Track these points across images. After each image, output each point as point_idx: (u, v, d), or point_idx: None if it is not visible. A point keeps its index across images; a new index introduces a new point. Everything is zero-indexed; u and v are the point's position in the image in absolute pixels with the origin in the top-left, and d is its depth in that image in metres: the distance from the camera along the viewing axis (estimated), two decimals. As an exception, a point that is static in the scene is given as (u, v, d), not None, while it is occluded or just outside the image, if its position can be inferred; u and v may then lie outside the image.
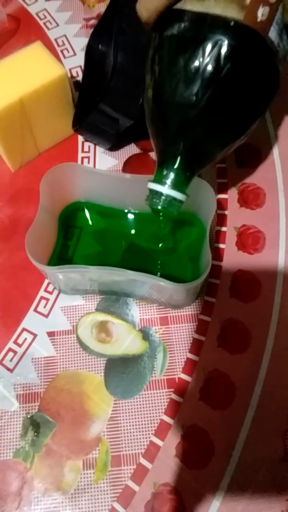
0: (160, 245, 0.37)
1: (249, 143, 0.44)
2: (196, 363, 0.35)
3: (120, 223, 0.38)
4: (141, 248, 0.37)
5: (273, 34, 0.26)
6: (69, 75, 0.41)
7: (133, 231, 0.38)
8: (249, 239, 0.39)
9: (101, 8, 0.52)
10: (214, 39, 0.25)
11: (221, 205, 0.41)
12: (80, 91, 0.44)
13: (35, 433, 0.33)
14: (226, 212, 0.40)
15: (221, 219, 0.40)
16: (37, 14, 0.52)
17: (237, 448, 0.32)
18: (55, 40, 0.50)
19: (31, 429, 0.33)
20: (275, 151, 0.43)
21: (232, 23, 0.25)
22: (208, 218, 0.33)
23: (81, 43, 0.49)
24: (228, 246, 0.39)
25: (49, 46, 0.48)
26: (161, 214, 0.31)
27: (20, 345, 0.36)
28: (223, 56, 0.25)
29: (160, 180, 0.29)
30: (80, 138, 0.44)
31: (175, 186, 0.29)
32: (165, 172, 0.29)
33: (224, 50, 0.25)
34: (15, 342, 0.36)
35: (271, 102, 0.29)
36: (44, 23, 0.51)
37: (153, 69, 0.28)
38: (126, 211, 0.38)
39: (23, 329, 0.36)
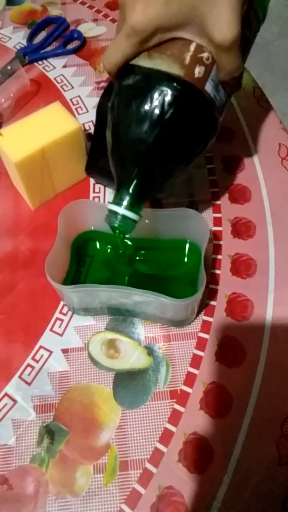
0: (162, 270, 0.42)
1: (240, 183, 0.49)
2: (196, 376, 0.38)
3: (126, 252, 0.43)
4: (145, 273, 0.42)
5: (209, 87, 0.32)
6: (82, 128, 0.47)
7: (138, 258, 0.43)
8: (242, 266, 0.44)
9: (110, 73, 0.60)
10: (160, 89, 0.30)
11: (217, 236, 0.45)
12: (92, 141, 0.50)
13: (50, 441, 0.36)
14: (221, 242, 0.45)
15: (216, 248, 0.45)
16: (55, 78, 0.60)
17: (234, 454, 0.35)
18: (71, 99, 0.57)
19: (47, 437, 0.36)
20: (263, 190, 0.49)
21: (174, 78, 0.31)
22: (203, 242, 0.38)
23: (92, 102, 0.57)
24: (223, 272, 0.43)
25: (66, 104, 0.56)
26: (117, 231, 0.35)
27: (37, 361, 0.40)
28: (167, 103, 0.30)
29: (117, 202, 0.34)
30: (92, 181, 0.50)
31: (129, 207, 0.33)
32: (121, 196, 0.33)
33: (168, 98, 0.30)
34: (33, 358, 0.40)
35: (211, 141, 0.35)
36: (61, 86, 0.59)
37: (112, 111, 0.34)
38: (130, 241, 0.43)
39: (40, 347, 0.40)
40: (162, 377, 0.38)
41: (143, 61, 0.32)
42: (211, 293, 0.42)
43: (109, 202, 0.34)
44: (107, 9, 0.68)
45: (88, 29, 0.65)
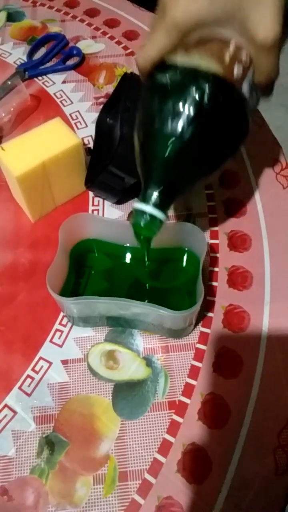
0: (161, 281, 0.43)
1: (236, 197, 0.51)
2: (194, 387, 0.39)
3: (125, 263, 0.44)
4: (144, 284, 0.42)
5: (244, 89, 0.32)
6: (82, 143, 0.48)
7: (136, 270, 0.43)
8: (238, 278, 0.45)
9: (109, 89, 0.61)
10: (198, 87, 0.30)
11: (213, 249, 0.46)
12: (91, 156, 0.52)
13: (50, 452, 0.36)
14: (218, 255, 0.46)
15: (213, 261, 0.46)
16: (54, 94, 0.61)
17: (232, 464, 0.35)
18: (70, 114, 0.59)
19: (46, 448, 0.36)
20: (259, 204, 0.50)
21: (213, 76, 0.30)
22: (201, 255, 0.39)
23: (91, 117, 0.58)
24: (220, 284, 0.44)
25: (65, 119, 0.56)
26: (142, 233, 0.35)
27: (37, 372, 0.40)
28: (205, 100, 0.30)
29: (144, 200, 0.33)
30: (91, 194, 0.51)
31: (157, 206, 0.32)
32: (149, 194, 0.32)
33: (207, 96, 0.30)
34: (33, 369, 0.40)
35: (242, 144, 0.35)
36: (61, 101, 0.60)
37: (145, 107, 0.33)
38: (129, 252, 0.44)
39: (40, 358, 0.41)
40: (161, 388, 0.39)
41: (180, 58, 0.31)
42: (208, 305, 0.43)
43: (135, 201, 0.34)
44: (106, 27, 0.69)
45: (87, 46, 0.67)
